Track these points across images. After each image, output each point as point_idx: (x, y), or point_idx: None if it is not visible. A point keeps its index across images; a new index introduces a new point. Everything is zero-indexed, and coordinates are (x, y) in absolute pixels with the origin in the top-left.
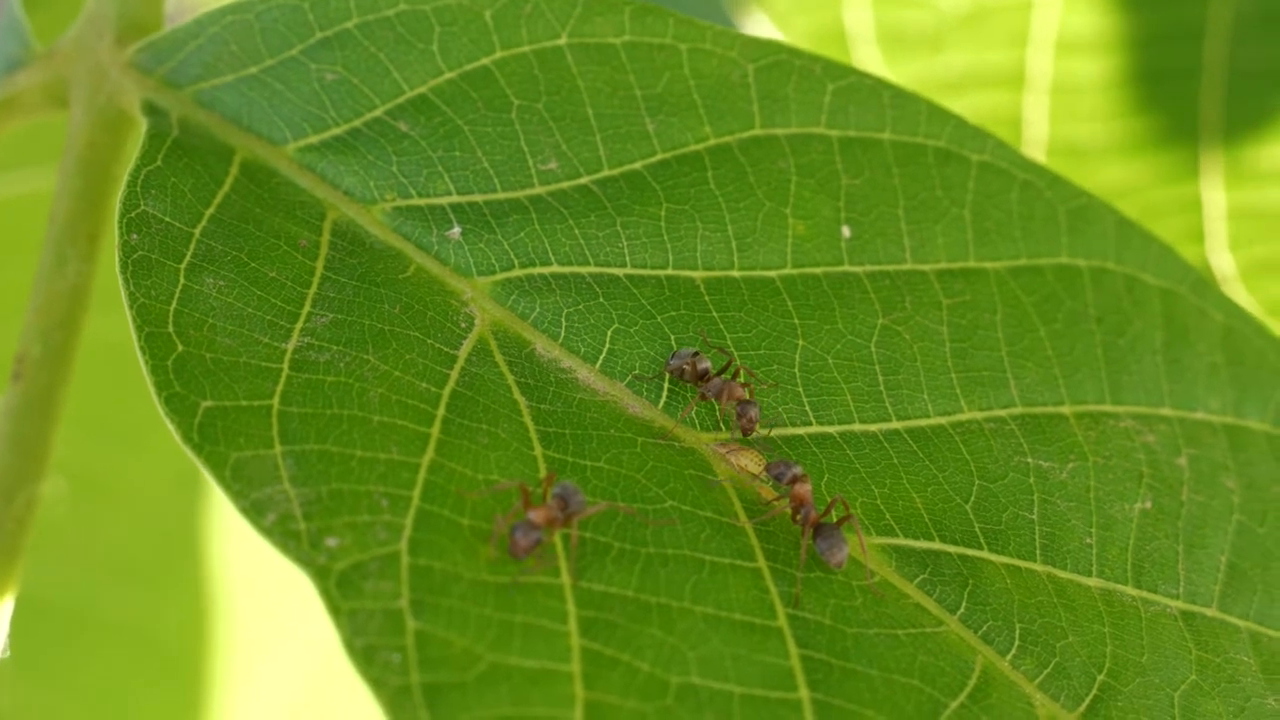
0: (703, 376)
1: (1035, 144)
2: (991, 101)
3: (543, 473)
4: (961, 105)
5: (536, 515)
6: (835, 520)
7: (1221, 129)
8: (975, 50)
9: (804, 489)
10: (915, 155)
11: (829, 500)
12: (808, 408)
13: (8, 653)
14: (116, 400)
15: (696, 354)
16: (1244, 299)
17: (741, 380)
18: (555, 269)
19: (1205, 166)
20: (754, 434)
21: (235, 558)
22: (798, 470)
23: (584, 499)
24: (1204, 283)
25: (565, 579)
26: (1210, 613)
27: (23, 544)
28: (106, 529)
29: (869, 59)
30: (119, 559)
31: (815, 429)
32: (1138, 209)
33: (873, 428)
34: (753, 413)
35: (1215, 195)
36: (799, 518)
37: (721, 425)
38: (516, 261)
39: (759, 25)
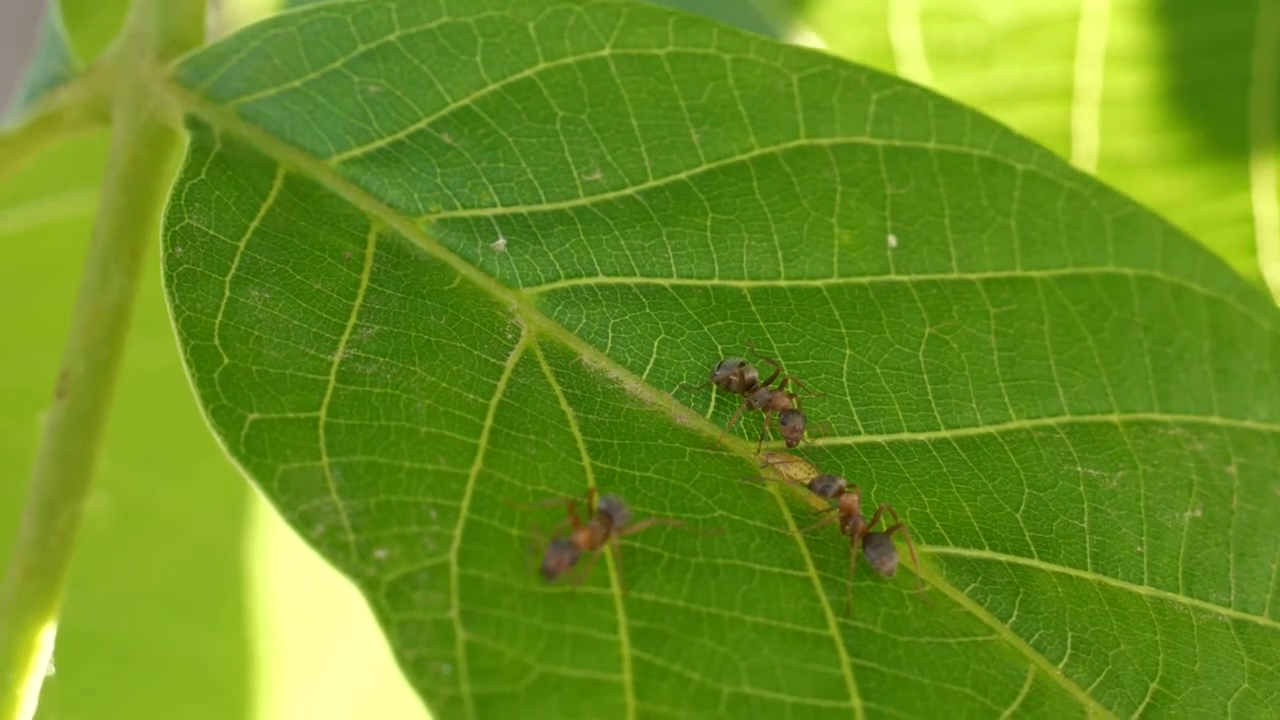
0: (749, 386)
1: (1086, 157)
2: (1041, 115)
3: (591, 483)
4: (1011, 119)
5: (579, 537)
6: (885, 529)
7: (1273, 139)
8: (1024, 64)
9: (850, 500)
10: (960, 164)
11: (877, 509)
12: (856, 417)
13: (53, 670)
14: (162, 429)
15: (743, 364)
16: None
17: (789, 390)
18: (601, 280)
19: (1256, 178)
20: (800, 444)
21: (282, 587)
22: (842, 483)
23: (629, 513)
24: (1251, 291)
25: (615, 589)
26: (1262, 621)
27: (67, 559)
28: (153, 559)
29: (917, 74)
30: (166, 589)
31: (864, 438)
32: (1189, 221)
33: (921, 437)
34: (796, 422)
35: (1268, 206)
36: (848, 528)
37: (769, 435)
38: (562, 272)
39: (807, 42)
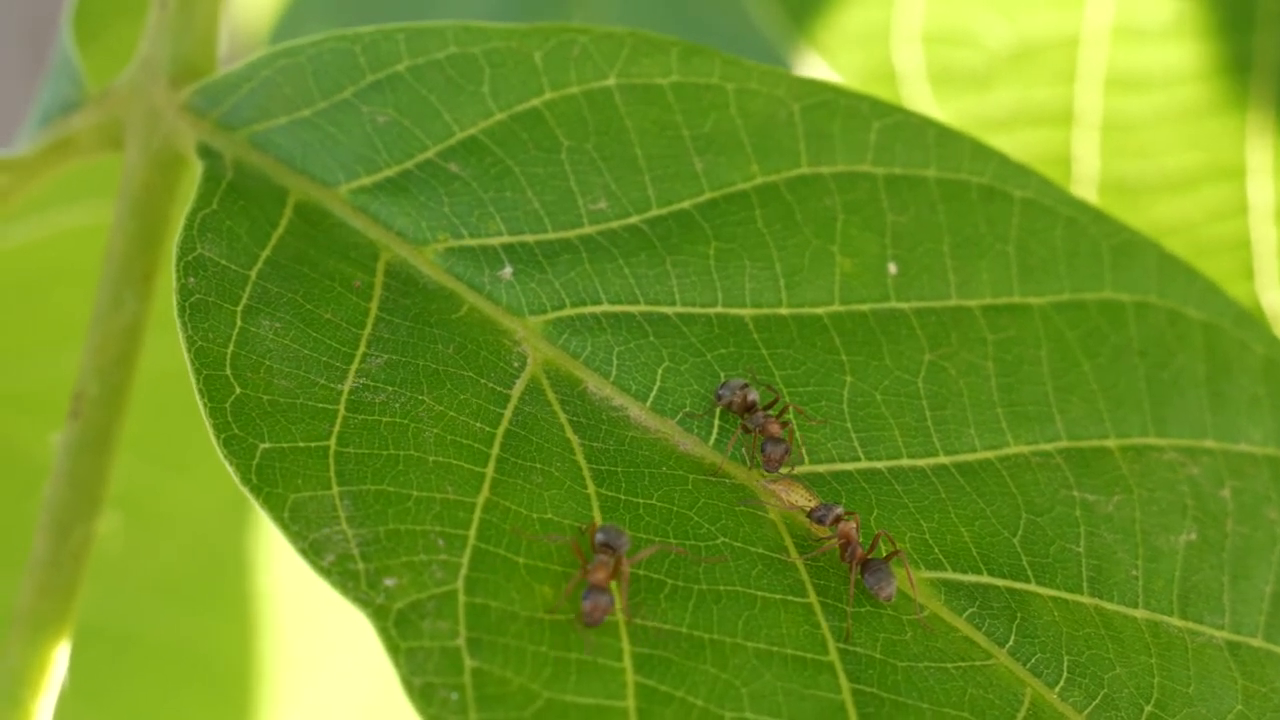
0: (750, 409)
1: (1086, 181)
2: (1042, 139)
3: (596, 511)
4: (1011, 142)
5: (598, 577)
6: (884, 555)
7: (1270, 164)
8: (1023, 87)
9: (848, 527)
10: (960, 192)
11: (875, 535)
12: (856, 444)
13: (67, 684)
14: (164, 423)
15: (745, 385)
16: None
17: (786, 419)
18: (606, 308)
19: (1253, 203)
20: (790, 470)
21: (284, 579)
22: (840, 511)
23: (628, 540)
24: (1246, 316)
25: (620, 616)
26: (1255, 643)
27: (79, 580)
28: (155, 551)
29: (919, 97)
30: (167, 580)
31: (864, 464)
32: (1189, 246)
33: (921, 463)
34: (774, 451)
35: (1264, 232)
36: (846, 555)
37: (757, 460)
38: (568, 301)
39: (811, 63)
